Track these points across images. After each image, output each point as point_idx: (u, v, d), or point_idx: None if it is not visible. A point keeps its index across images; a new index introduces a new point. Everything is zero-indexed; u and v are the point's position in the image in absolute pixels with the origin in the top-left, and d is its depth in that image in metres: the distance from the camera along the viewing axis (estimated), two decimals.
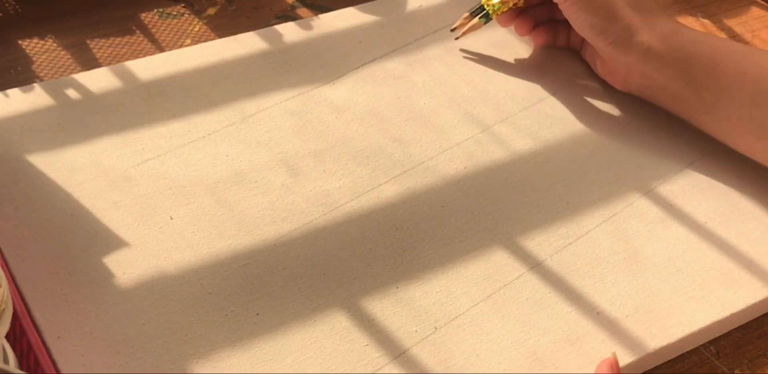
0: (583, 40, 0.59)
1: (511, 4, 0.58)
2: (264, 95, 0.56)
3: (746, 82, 0.51)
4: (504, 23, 0.61)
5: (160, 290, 0.44)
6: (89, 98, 0.54)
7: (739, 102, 0.52)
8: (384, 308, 0.45)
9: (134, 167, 0.50)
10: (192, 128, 0.53)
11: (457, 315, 0.45)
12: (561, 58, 0.62)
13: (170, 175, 0.50)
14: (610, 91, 0.59)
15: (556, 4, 0.56)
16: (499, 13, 0.59)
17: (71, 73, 0.57)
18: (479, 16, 0.59)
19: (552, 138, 0.55)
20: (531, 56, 0.62)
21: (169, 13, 0.64)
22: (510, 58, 0.61)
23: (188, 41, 0.62)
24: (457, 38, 0.61)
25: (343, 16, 0.63)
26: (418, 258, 0.47)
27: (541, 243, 0.49)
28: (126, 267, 0.45)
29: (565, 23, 0.59)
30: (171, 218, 0.48)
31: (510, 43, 0.63)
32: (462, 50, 0.61)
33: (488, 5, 0.59)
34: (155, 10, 0.64)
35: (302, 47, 0.60)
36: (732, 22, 0.70)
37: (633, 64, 0.55)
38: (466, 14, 0.60)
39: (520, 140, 0.55)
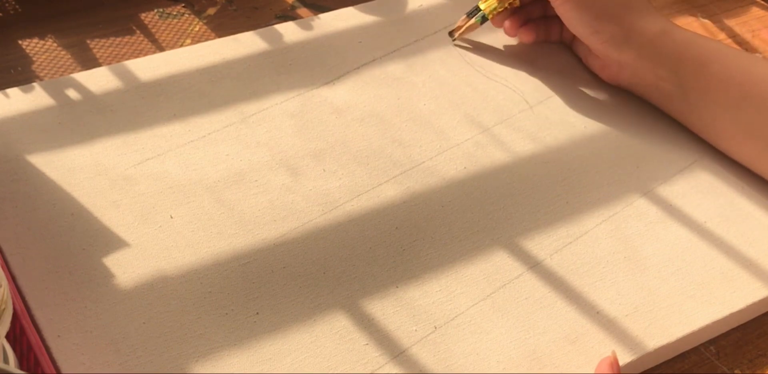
0: (574, 35, 0.59)
1: (506, 4, 0.59)
2: (264, 95, 0.56)
3: (732, 86, 0.52)
4: (498, 24, 0.61)
5: (160, 289, 0.44)
6: (89, 98, 0.54)
7: (725, 105, 0.52)
8: (384, 307, 0.45)
9: (134, 167, 0.50)
10: (192, 128, 0.53)
11: (457, 314, 0.45)
12: (561, 60, 0.62)
13: (170, 174, 0.50)
14: (609, 93, 0.59)
15: (548, 1, 0.57)
16: (495, 13, 0.59)
17: (71, 73, 0.57)
18: (476, 16, 0.60)
19: (551, 139, 0.55)
20: (531, 59, 0.62)
21: (169, 13, 0.64)
22: (510, 61, 0.61)
23: (188, 41, 0.62)
24: (454, 39, 0.61)
25: (343, 16, 0.63)
26: (417, 258, 0.47)
27: (541, 243, 0.49)
28: (126, 266, 0.45)
29: (557, 19, 0.60)
30: (171, 218, 0.48)
31: (510, 45, 0.63)
32: (460, 47, 0.61)
33: (484, 6, 0.59)
34: (155, 10, 0.64)
35: (302, 47, 0.60)
36: (732, 22, 0.70)
37: (625, 63, 0.56)
38: (464, 17, 0.61)
39: (519, 141, 0.55)
